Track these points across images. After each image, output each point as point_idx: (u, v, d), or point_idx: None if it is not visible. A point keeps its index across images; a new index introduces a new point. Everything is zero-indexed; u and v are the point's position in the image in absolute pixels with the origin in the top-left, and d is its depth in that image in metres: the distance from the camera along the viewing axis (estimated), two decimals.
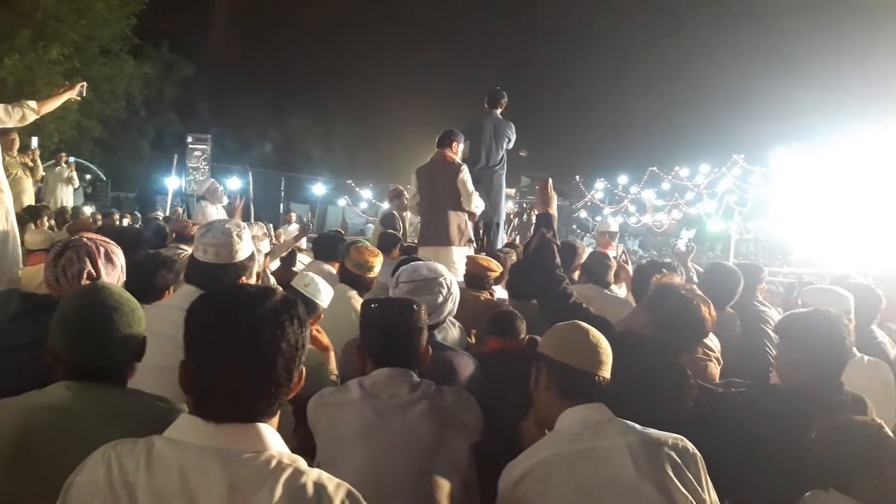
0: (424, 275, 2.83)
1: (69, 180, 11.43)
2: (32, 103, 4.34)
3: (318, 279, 3.23)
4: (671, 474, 1.81)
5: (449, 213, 5.84)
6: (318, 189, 24.38)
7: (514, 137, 7.03)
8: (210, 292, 1.42)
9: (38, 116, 4.39)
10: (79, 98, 4.68)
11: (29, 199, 8.45)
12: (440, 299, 2.77)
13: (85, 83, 4.71)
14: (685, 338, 2.52)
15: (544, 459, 1.88)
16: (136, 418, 1.67)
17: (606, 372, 2.03)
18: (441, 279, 2.83)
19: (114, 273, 2.46)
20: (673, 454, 1.86)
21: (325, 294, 3.20)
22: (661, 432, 1.91)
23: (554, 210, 3.16)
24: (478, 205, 6.01)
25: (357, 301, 3.62)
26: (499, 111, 7.01)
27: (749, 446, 2.23)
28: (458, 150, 6.13)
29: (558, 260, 2.98)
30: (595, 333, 2.08)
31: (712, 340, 3.30)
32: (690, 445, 1.91)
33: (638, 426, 1.92)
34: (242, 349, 1.26)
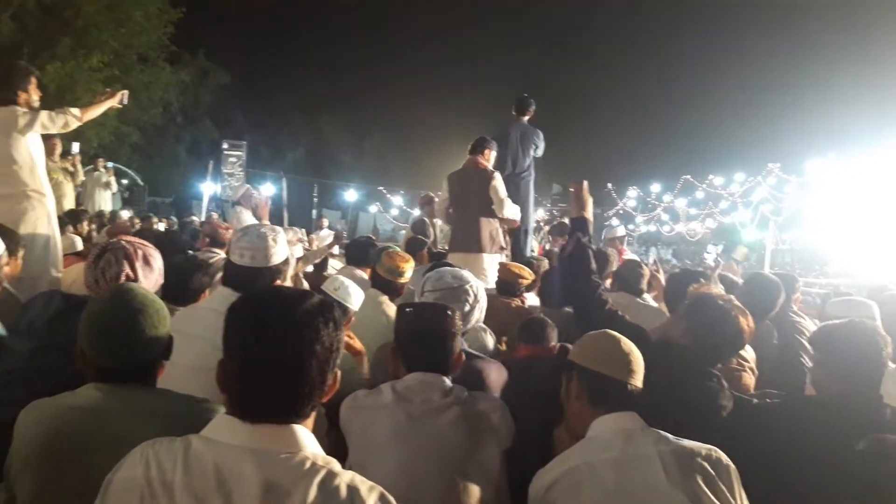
0: (450, 283, 2.84)
1: (107, 185, 11.66)
2: (75, 110, 4.42)
3: (349, 283, 3.25)
4: (703, 485, 1.78)
5: (480, 219, 5.82)
6: (350, 195, 24.61)
7: (542, 144, 6.99)
8: (249, 293, 1.44)
9: (80, 123, 4.48)
10: (120, 106, 4.77)
11: (69, 203, 8.63)
12: (467, 307, 2.78)
13: (126, 92, 4.80)
14: (722, 348, 2.49)
15: (574, 467, 1.86)
16: (167, 417, 1.69)
17: (638, 380, 2.01)
18: (467, 286, 2.84)
19: (151, 276, 2.51)
20: (706, 465, 1.83)
21: (355, 298, 3.22)
22: (694, 442, 1.88)
23: (590, 214, 3.10)
24: (512, 212, 5.99)
25: (388, 306, 3.64)
26: (526, 118, 7.00)
27: (784, 457, 2.19)
28: (490, 158, 6.11)
29: (594, 266, 2.94)
30: (627, 342, 2.07)
31: (747, 351, 3.26)
32: (724, 456, 1.88)
33: (670, 436, 1.89)
34: (278, 350, 1.28)
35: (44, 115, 4.22)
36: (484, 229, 5.82)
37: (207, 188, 17.20)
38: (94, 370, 1.80)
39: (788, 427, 2.32)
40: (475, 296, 2.84)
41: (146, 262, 2.48)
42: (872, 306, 3.75)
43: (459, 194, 5.97)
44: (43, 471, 1.67)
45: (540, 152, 7.06)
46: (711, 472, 1.82)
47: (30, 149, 4.21)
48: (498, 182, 5.87)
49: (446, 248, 6.76)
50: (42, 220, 4.27)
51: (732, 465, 1.87)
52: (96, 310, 1.85)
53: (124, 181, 20.04)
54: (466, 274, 2.95)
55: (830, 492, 2.09)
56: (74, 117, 4.40)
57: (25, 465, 1.70)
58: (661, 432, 1.90)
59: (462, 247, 5.86)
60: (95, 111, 4.60)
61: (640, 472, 1.81)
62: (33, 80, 4.27)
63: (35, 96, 4.26)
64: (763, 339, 3.48)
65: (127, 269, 2.41)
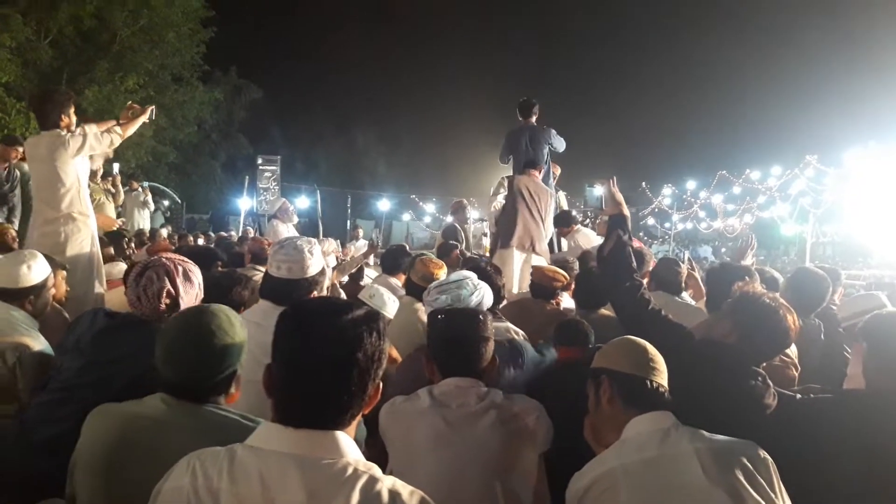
0: (452, 278, 2.89)
1: (145, 203, 11.92)
2: (117, 128, 4.57)
3: (384, 291, 3.29)
4: (743, 480, 1.76)
5: (539, 227, 6.21)
6: (383, 205, 24.72)
7: (556, 141, 7.06)
8: (299, 302, 1.48)
9: (121, 140, 4.61)
10: (150, 120, 4.89)
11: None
12: (465, 293, 2.81)
13: (153, 106, 4.93)
14: (769, 347, 2.44)
15: (610, 470, 1.85)
16: (224, 434, 1.71)
17: (664, 380, 2.02)
18: (467, 280, 2.88)
19: (192, 291, 2.56)
20: (743, 459, 1.80)
21: (390, 306, 3.26)
22: (730, 438, 1.86)
23: (626, 211, 3.01)
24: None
25: (423, 313, 3.66)
26: (533, 119, 7.08)
27: (831, 454, 2.15)
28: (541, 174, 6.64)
29: (635, 264, 2.88)
30: (648, 345, 2.09)
31: (790, 347, 3.20)
32: (761, 450, 1.85)
33: (705, 433, 1.88)
34: (322, 356, 1.32)
35: (91, 137, 4.35)
36: (539, 235, 6.19)
37: (244, 203, 17.45)
38: (163, 383, 1.84)
39: (836, 423, 2.27)
40: (475, 285, 2.87)
41: (186, 277, 2.54)
42: (880, 296, 3.78)
43: (521, 198, 6.25)
44: (104, 475, 1.73)
45: (558, 147, 7.11)
46: (750, 467, 1.79)
47: (77, 171, 4.34)
48: (552, 202, 6.44)
49: (479, 253, 6.81)
50: (86, 241, 4.39)
51: (770, 459, 1.84)
52: (171, 326, 1.90)
53: (165, 202, 20.46)
54: (467, 272, 3.00)
55: (884, 489, 2.05)
56: (118, 135, 4.54)
57: (87, 468, 1.76)
58: (696, 430, 1.89)
59: (521, 245, 6.14)
60: (132, 127, 4.73)
61: (678, 470, 1.79)
62: (73, 104, 4.40)
63: (73, 119, 4.39)
64: (810, 335, 3.42)
65: (168, 286, 2.46)
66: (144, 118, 4.80)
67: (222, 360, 1.85)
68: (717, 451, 1.82)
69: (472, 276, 2.95)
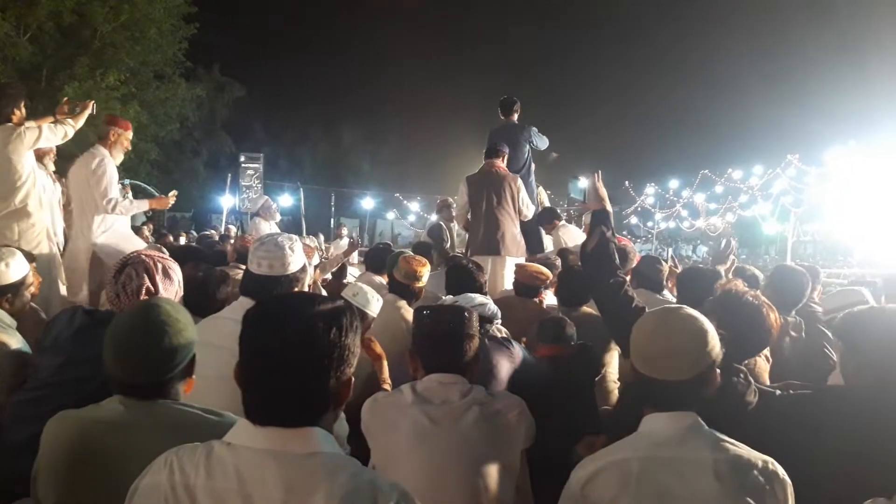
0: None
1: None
2: (70, 121, 4.57)
3: (367, 289, 3.28)
4: (755, 499, 1.72)
5: (504, 222, 5.89)
6: (367, 203, 24.72)
7: (536, 139, 7.02)
8: (266, 298, 1.46)
9: (74, 132, 4.61)
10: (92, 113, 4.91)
11: None
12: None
13: (93, 101, 4.94)
14: (751, 344, 2.44)
15: (623, 460, 1.79)
16: (185, 431, 1.67)
17: (692, 372, 1.81)
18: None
19: (171, 288, 2.54)
20: (761, 478, 1.75)
21: (374, 304, 3.25)
22: (753, 452, 1.80)
23: (609, 206, 2.98)
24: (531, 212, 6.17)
25: (407, 311, 3.66)
26: (514, 117, 7.06)
27: (809, 449, 2.16)
28: (506, 161, 6.19)
29: (618, 261, 2.87)
30: (681, 333, 1.84)
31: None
32: (780, 470, 1.79)
33: (729, 442, 1.80)
34: (278, 352, 1.29)
35: (46, 129, 4.35)
36: (507, 232, 5.87)
37: (226, 201, 17.35)
38: (118, 384, 1.81)
39: (816, 419, 2.29)
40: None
41: (166, 274, 2.52)
42: (863, 291, 3.87)
43: (481, 197, 5.99)
44: (67, 482, 1.70)
45: (540, 146, 7.09)
46: (766, 486, 1.75)
47: (32, 164, 4.33)
48: (523, 186, 5.96)
49: (462, 252, 6.77)
50: (42, 235, 4.37)
51: (788, 480, 1.79)
52: (119, 324, 1.87)
53: None
54: (471, 294, 3.06)
55: (858, 483, 2.06)
56: (71, 126, 4.54)
57: (50, 475, 1.73)
58: (721, 436, 1.81)
59: (485, 249, 5.88)
60: (81, 121, 4.73)
61: (692, 477, 1.74)
62: (24, 99, 4.41)
63: (24, 113, 4.40)
64: (792, 332, 3.45)
65: (147, 283, 2.44)
66: (89, 111, 4.78)
67: (175, 352, 1.82)
68: (736, 466, 1.75)
69: (475, 297, 2.99)
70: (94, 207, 4.82)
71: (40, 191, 4.43)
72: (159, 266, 2.52)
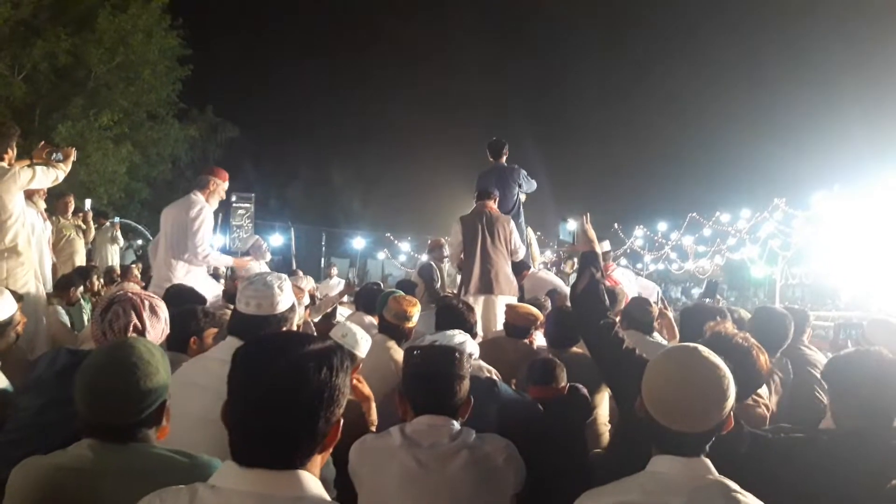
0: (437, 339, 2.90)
1: (114, 239, 11.75)
2: (62, 165, 4.59)
3: (357, 329, 3.25)
4: None
5: (497, 262, 5.93)
6: (358, 243, 24.72)
7: (527, 183, 7.11)
8: (256, 337, 1.44)
9: (64, 176, 4.64)
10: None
11: (81, 259, 8.69)
12: None
13: (74, 149, 4.96)
14: (742, 387, 2.44)
15: (632, 502, 1.73)
16: (154, 476, 1.63)
17: (708, 423, 1.75)
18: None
19: (158, 325, 2.52)
20: None
21: (363, 345, 3.22)
22: None
23: (598, 248, 3.00)
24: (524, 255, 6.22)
25: (396, 351, 3.63)
26: (503, 159, 7.13)
27: (799, 492, 2.15)
28: (497, 203, 6.26)
29: (608, 302, 2.87)
30: (701, 379, 1.76)
31: (762, 387, 3.21)
32: None
33: (741, 492, 1.72)
34: (266, 394, 1.27)
35: (40, 171, 4.37)
36: (501, 271, 5.93)
37: (217, 241, 17.28)
38: (87, 426, 1.76)
39: (804, 461, 2.28)
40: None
41: (153, 311, 2.50)
42: None
43: (475, 237, 6.02)
44: None
45: (529, 188, 7.15)
46: None
47: (22, 204, 4.33)
48: (514, 227, 6.01)
49: (454, 291, 6.76)
50: (30, 275, 4.36)
51: None
52: (90, 363, 1.82)
53: (139, 242, 20.18)
54: (450, 332, 3.00)
55: None
56: (63, 171, 4.57)
57: None
58: (732, 486, 1.74)
59: (479, 289, 5.89)
60: (68, 166, 4.78)
61: None
62: (16, 139, 4.43)
63: (14, 154, 4.43)
64: (779, 374, 3.44)
65: (135, 320, 2.43)
66: (72, 159, 4.81)
67: (148, 394, 1.77)
68: None
69: (454, 335, 2.97)
70: (184, 251, 5.00)
71: (29, 230, 4.43)
72: (146, 304, 2.51)
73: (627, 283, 6.85)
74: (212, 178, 5.30)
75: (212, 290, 5.18)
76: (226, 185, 5.42)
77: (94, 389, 1.76)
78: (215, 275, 11.28)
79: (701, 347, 1.84)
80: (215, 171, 5.41)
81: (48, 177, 4.47)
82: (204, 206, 5.16)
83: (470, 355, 3.12)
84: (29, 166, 4.37)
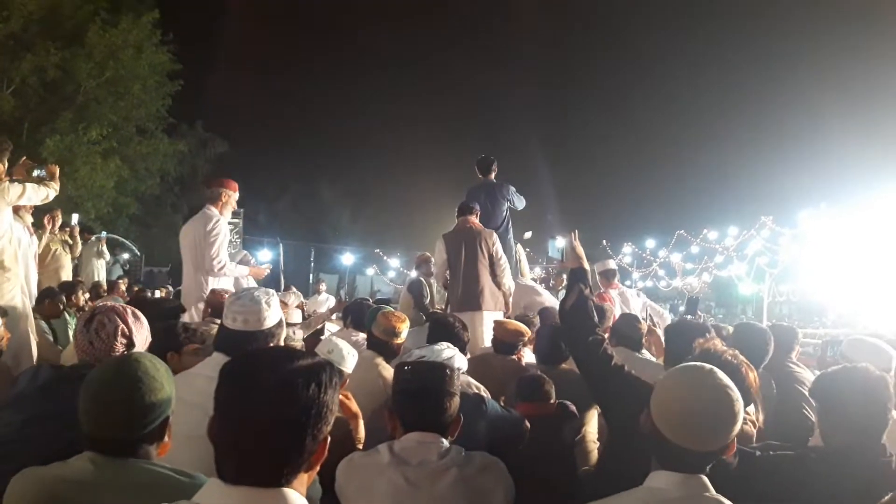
0: (424, 353, 2.87)
1: (100, 254, 11.69)
2: (54, 184, 4.59)
3: (343, 344, 3.23)
4: None
5: (481, 277, 5.89)
6: (347, 259, 24.64)
7: (517, 199, 7.13)
8: (243, 352, 1.43)
9: (55, 195, 4.63)
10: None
11: (67, 274, 8.64)
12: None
13: (57, 167, 4.94)
14: None
15: None
16: (155, 492, 1.63)
17: (716, 444, 1.78)
18: (442, 352, 2.87)
19: (142, 331, 2.52)
20: None
21: (349, 360, 3.20)
22: None
23: (587, 264, 3.03)
24: (509, 279, 6.11)
25: (385, 368, 3.61)
26: (492, 176, 7.16)
27: None
28: (478, 217, 6.25)
29: (596, 319, 2.88)
30: (715, 399, 1.77)
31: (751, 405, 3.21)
32: None
33: None
34: (252, 410, 1.26)
35: (30, 187, 4.36)
36: (486, 287, 5.88)
37: None
38: (89, 439, 1.76)
39: (793, 478, 2.28)
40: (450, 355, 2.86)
41: (136, 317, 2.51)
42: (890, 352, 3.57)
43: (458, 254, 6.00)
44: None
45: (518, 205, 7.16)
46: None
47: (9, 219, 4.31)
48: (497, 241, 5.98)
49: (443, 308, 6.75)
50: (16, 290, 4.33)
51: None
52: (96, 375, 1.82)
53: (125, 255, 20.05)
54: (437, 346, 2.98)
55: None
56: (54, 190, 4.56)
57: None
58: (725, 502, 1.76)
59: (465, 305, 5.86)
60: (57, 184, 4.78)
61: None
62: (9, 153, 4.42)
63: (5, 168, 4.41)
64: (762, 390, 3.44)
65: (122, 325, 2.42)
66: (57, 174, 4.80)
67: (151, 409, 1.77)
68: None
69: (442, 348, 2.95)
70: (205, 267, 5.15)
71: (16, 245, 4.39)
72: (128, 310, 2.51)
73: (633, 304, 6.83)
74: (223, 190, 5.37)
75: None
76: (236, 195, 5.49)
77: (99, 402, 1.76)
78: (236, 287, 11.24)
79: (716, 369, 1.85)
80: (225, 182, 5.47)
81: (38, 194, 4.45)
82: (219, 218, 5.25)
83: (458, 370, 3.11)
84: (19, 182, 4.34)
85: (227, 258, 5.28)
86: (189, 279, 5.31)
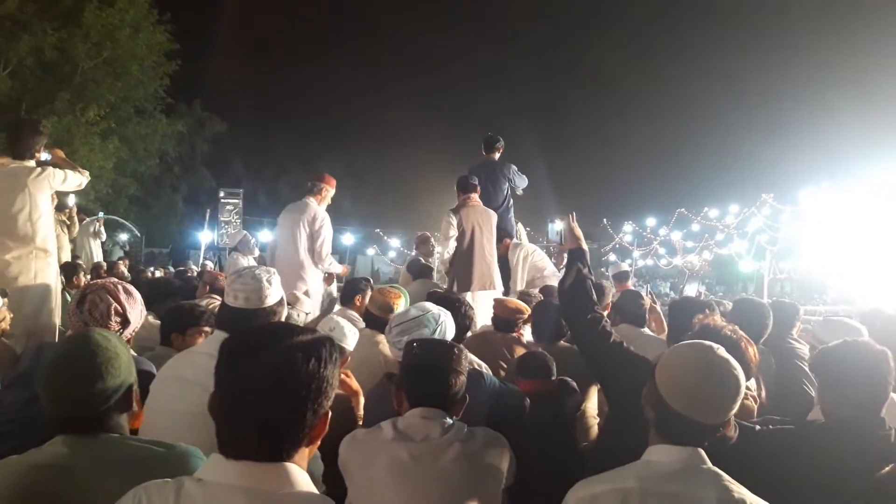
0: (413, 314, 2.84)
1: (96, 234, 11.68)
2: (85, 171, 4.61)
3: (344, 322, 3.24)
4: None
5: (494, 256, 5.98)
6: (348, 239, 24.63)
7: (516, 178, 7.09)
8: (243, 329, 1.42)
9: (87, 181, 4.67)
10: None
11: (66, 255, 8.66)
12: (427, 332, 2.77)
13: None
14: None
15: (628, 489, 1.76)
16: (132, 467, 1.63)
17: (720, 418, 1.84)
18: (429, 314, 2.84)
19: (136, 307, 2.53)
20: None
21: (350, 338, 3.21)
22: (753, 496, 1.77)
23: (585, 245, 3.06)
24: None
25: (384, 345, 3.61)
26: (496, 155, 7.12)
27: (789, 483, 2.15)
28: (479, 194, 6.27)
29: (595, 297, 2.90)
30: (723, 374, 1.83)
31: (750, 380, 3.22)
32: None
33: (733, 482, 1.78)
34: (251, 385, 1.26)
35: (71, 174, 4.38)
36: (494, 266, 5.98)
37: (204, 237, 17.21)
38: (55, 420, 1.73)
39: (793, 452, 2.28)
40: (436, 321, 2.83)
41: (128, 293, 2.53)
42: (861, 330, 3.68)
43: (470, 231, 6.00)
44: None
45: (519, 184, 7.12)
46: None
47: (51, 205, 4.33)
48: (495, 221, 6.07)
49: (442, 288, 6.73)
50: (55, 275, 4.33)
51: None
52: (49, 359, 1.79)
53: (124, 236, 20.04)
54: (427, 304, 2.95)
55: None
56: (87, 177, 4.57)
57: None
58: (724, 476, 1.79)
59: (481, 283, 5.91)
60: (84, 173, 4.76)
61: None
62: (45, 138, 4.40)
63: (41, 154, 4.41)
64: (761, 365, 3.45)
65: (114, 303, 2.43)
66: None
67: (109, 380, 1.74)
68: None
69: (432, 307, 2.92)
70: (310, 253, 5.73)
71: (56, 231, 4.44)
72: (119, 287, 2.53)
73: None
74: (323, 185, 5.82)
75: (323, 288, 6.02)
76: (334, 190, 5.92)
77: (56, 382, 1.73)
78: (202, 272, 11.24)
79: (718, 346, 1.92)
80: (325, 177, 5.89)
81: (75, 180, 4.46)
82: (324, 215, 5.76)
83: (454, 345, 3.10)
84: (59, 168, 4.37)
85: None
86: (288, 265, 5.58)
